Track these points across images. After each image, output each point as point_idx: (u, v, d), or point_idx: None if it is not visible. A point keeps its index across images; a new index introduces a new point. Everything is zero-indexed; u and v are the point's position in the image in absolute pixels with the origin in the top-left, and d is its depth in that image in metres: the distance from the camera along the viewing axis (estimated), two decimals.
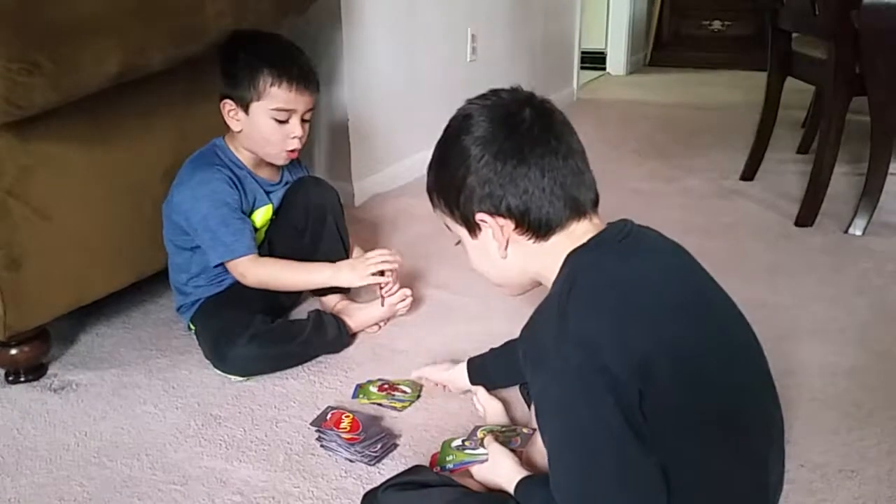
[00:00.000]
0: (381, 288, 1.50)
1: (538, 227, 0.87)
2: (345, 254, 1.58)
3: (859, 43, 1.96)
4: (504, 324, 1.58)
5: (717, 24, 5.00)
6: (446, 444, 1.10)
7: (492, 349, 1.29)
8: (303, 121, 1.45)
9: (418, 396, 1.33)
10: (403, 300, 1.54)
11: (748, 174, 2.54)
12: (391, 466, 1.14)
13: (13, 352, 1.36)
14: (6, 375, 1.39)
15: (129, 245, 1.49)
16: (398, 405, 1.30)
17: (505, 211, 0.87)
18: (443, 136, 0.93)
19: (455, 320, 1.61)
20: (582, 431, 0.77)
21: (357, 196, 2.30)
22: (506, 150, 0.86)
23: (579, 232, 0.88)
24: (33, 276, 1.31)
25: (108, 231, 1.44)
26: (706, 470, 0.79)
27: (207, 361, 1.42)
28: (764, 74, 2.48)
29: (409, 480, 0.96)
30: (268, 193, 1.53)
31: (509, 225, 0.88)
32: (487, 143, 0.86)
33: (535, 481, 0.92)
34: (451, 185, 0.90)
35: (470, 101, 0.92)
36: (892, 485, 1.11)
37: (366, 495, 1.02)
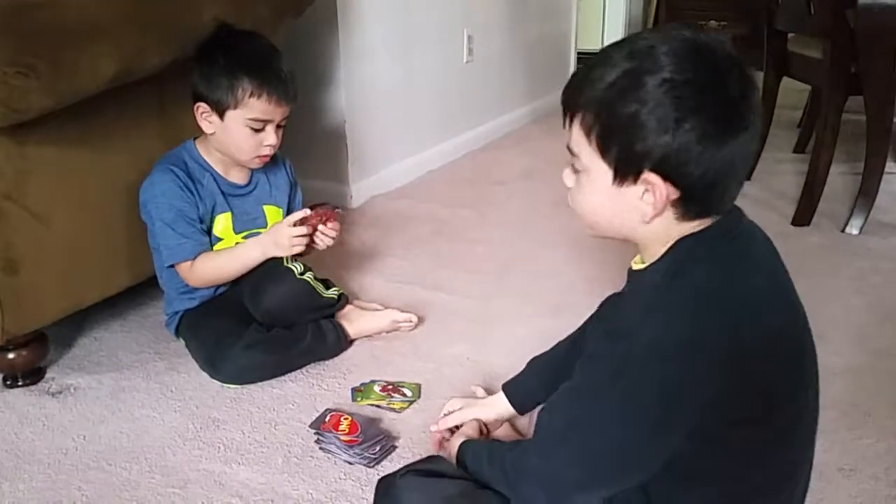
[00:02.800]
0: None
1: (704, 206, 0.77)
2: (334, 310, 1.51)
3: (855, 42, 1.97)
4: (502, 325, 1.59)
5: (712, 25, 5.00)
6: (370, 385, 1.30)
7: (525, 369, 1.20)
8: (277, 127, 1.43)
9: (418, 398, 1.33)
10: (409, 322, 1.54)
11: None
12: (390, 468, 1.14)
13: (11, 356, 1.35)
14: (4, 380, 1.39)
15: (127, 248, 1.48)
16: (397, 406, 1.30)
17: (684, 180, 0.74)
18: (626, 60, 0.75)
19: (453, 322, 1.60)
20: (599, 420, 0.76)
21: (354, 198, 2.30)
22: (714, 118, 0.73)
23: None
24: (31, 280, 1.31)
25: (106, 234, 1.44)
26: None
27: None
28: (760, 74, 2.48)
29: (427, 469, 0.97)
30: (229, 198, 1.48)
31: (674, 194, 0.75)
32: (691, 102, 0.72)
33: (472, 441, 0.98)
34: (627, 126, 0.74)
35: (662, 30, 0.78)
36: (890, 483, 1.12)
37: (380, 481, 1.01)
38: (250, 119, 1.39)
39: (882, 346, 1.49)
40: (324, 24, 2.15)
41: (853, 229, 2.06)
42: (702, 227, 0.78)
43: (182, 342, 1.48)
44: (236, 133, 1.41)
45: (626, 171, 0.77)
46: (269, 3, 1.62)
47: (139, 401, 1.34)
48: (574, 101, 0.79)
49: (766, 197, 2.37)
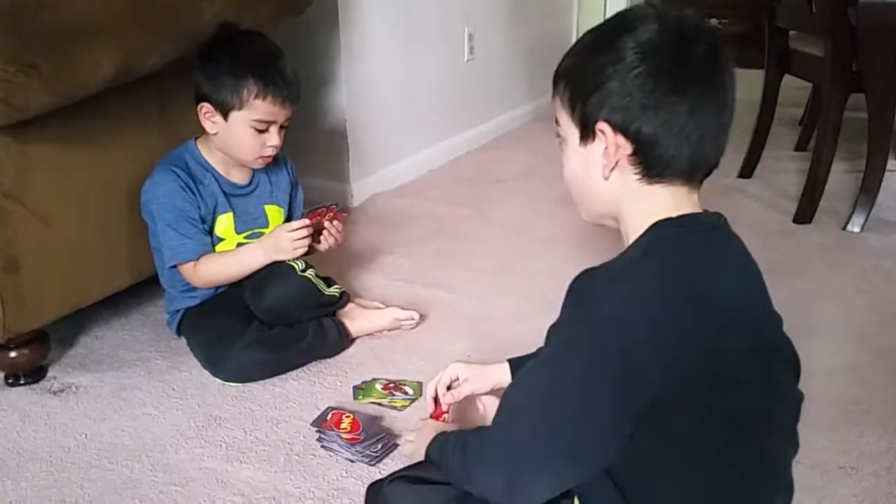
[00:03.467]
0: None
1: (654, 166, 0.79)
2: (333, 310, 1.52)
3: (856, 40, 1.97)
4: (503, 323, 1.59)
5: (713, 22, 5.00)
6: (372, 383, 1.31)
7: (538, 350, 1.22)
8: (280, 128, 1.43)
9: (420, 396, 1.33)
10: (411, 320, 1.54)
11: (746, 171, 2.54)
12: (392, 466, 1.14)
13: (13, 354, 1.36)
14: (6, 378, 1.39)
15: (128, 247, 1.48)
16: (398, 404, 1.31)
17: (632, 133, 0.77)
18: (600, 27, 0.83)
19: (455, 321, 1.60)
20: (555, 387, 0.75)
21: (355, 197, 2.30)
22: (666, 71, 0.76)
23: (677, 198, 0.80)
24: (32, 279, 1.31)
25: (107, 233, 1.44)
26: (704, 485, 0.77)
27: None
28: (761, 72, 2.48)
29: (414, 475, 0.96)
30: (231, 198, 1.49)
31: (627, 148, 0.78)
32: (649, 54, 0.76)
33: (441, 435, 0.96)
34: (588, 80, 0.79)
35: (641, 5, 0.81)
36: (891, 481, 1.12)
37: (370, 487, 1.01)
38: (255, 120, 1.39)
39: (883, 344, 1.49)
40: (324, 22, 2.15)
41: (855, 227, 2.05)
42: (679, 209, 0.80)
43: (183, 340, 1.49)
44: (240, 134, 1.40)
45: (585, 126, 0.81)
46: (269, 2, 1.62)
47: (141, 399, 1.34)
48: (556, 73, 0.85)
49: (767, 195, 2.37)
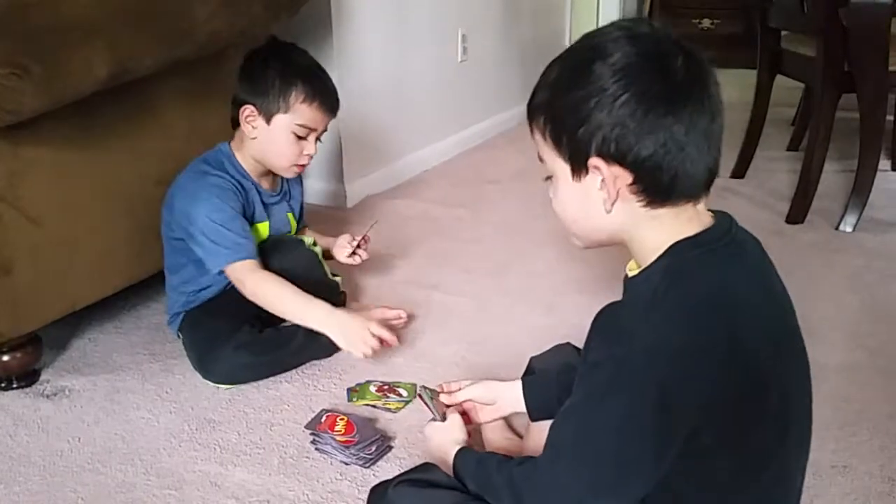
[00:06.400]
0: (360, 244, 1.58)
1: (658, 191, 0.76)
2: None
3: (848, 40, 1.98)
4: (500, 325, 1.59)
5: (706, 23, 5.01)
6: (366, 385, 1.33)
7: (532, 358, 1.18)
8: (317, 138, 1.45)
9: (414, 398, 1.33)
10: (399, 318, 1.52)
11: (739, 172, 2.55)
12: (386, 468, 1.14)
13: (5, 358, 1.35)
14: None
15: (121, 250, 1.48)
16: (393, 406, 1.30)
17: (630, 161, 0.74)
18: (570, 56, 0.79)
19: (450, 322, 1.60)
20: (599, 425, 0.76)
21: (349, 198, 2.30)
22: (654, 94, 0.73)
23: (687, 215, 0.78)
24: (24, 282, 1.31)
25: (100, 236, 1.44)
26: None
27: None
28: (753, 72, 2.48)
29: (420, 478, 0.96)
30: (267, 207, 1.51)
31: (626, 178, 0.75)
32: (631, 80, 0.73)
33: (471, 450, 0.98)
34: (570, 113, 0.76)
35: (605, 27, 0.78)
36: (883, 480, 1.12)
37: (373, 489, 1.01)
38: (298, 125, 1.40)
39: (876, 343, 1.50)
40: (318, 23, 2.15)
41: (847, 227, 2.06)
42: (691, 224, 0.78)
43: (179, 343, 1.48)
44: (281, 138, 1.41)
45: (577, 161, 0.78)
46: (263, 3, 1.61)
47: (134, 402, 1.34)
48: (530, 108, 0.82)
49: (759, 195, 2.38)
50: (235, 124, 1.45)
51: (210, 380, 1.38)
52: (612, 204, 0.78)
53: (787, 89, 2.64)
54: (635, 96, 0.73)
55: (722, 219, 0.81)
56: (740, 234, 0.81)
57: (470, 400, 1.14)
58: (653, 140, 0.74)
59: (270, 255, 1.43)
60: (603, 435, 0.75)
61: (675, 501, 0.78)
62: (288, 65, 1.41)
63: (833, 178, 2.35)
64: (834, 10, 1.96)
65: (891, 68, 1.96)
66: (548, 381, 1.09)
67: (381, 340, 1.32)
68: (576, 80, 0.76)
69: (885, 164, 2.32)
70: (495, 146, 3.00)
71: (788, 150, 2.81)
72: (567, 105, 0.77)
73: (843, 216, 2.08)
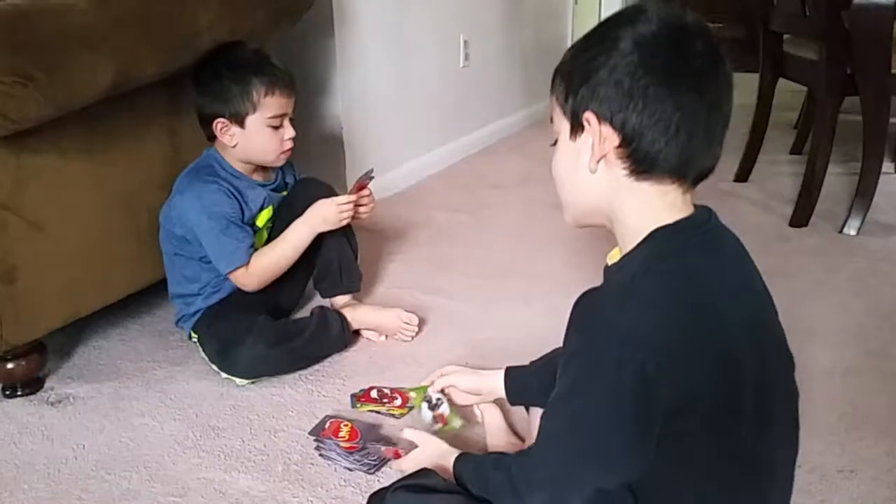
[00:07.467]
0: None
1: (641, 160, 0.77)
2: (350, 248, 1.61)
3: (850, 43, 1.97)
4: (503, 329, 1.59)
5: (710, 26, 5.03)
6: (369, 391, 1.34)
7: (532, 363, 1.19)
8: (290, 120, 1.48)
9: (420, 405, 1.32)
10: (410, 324, 1.54)
11: (742, 175, 2.55)
12: (390, 475, 1.14)
13: (10, 366, 1.35)
14: (3, 390, 1.38)
15: (125, 256, 1.48)
16: (396, 412, 1.30)
17: (618, 124, 0.76)
18: (603, 22, 0.82)
19: (453, 327, 1.60)
20: (584, 412, 0.76)
21: None
22: (658, 65, 0.75)
23: (670, 199, 0.79)
24: (29, 290, 1.31)
25: (104, 243, 1.44)
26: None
27: (205, 372, 1.42)
28: (756, 76, 2.49)
29: (418, 484, 0.96)
30: (266, 197, 1.53)
31: (613, 139, 0.77)
32: (644, 44, 0.75)
33: (468, 456, 0.99)
34: (581, 69, 0.79)
35: (640, 3, 0.80)
36: (890, 485, 1.12)
37: (372, 496, 1.01)
38: (270, 118, 1.43)
39: (880, 346, 1.49)
40: (320, 29, 2.16)
41: (851, 230, 2.06)
42: (674, 210, 0.79)
43: (182, 349, 1.48)
44: (260, 135, 1.44)
45: (575, 118, 0.80)
46: (265, 10, 1.62)
47: (138, 409, 1.34)
48: (555, 71, 0.84)
49: (763, 198, 2.37)
50: (211, 138, 1.47)
51: (231, 373, 1.39)
52: (597, 162, 0.80)
53: (789, 93, 2.64)
54: (639, 58, 0.75)
55: (702, 210, 0.82)
56: (719, 226, 0.82)
57: (452, 385, 1.21)
58: (643, 106, 0.75)
59: (297, 195, 1.53)
60: (587, 421, 0.76)
61: (656, 487, 0.78)
62: (236, 65, 1.43)
63: (836, 181, 2.35)
64: (836, 13, 1.97)
65: (893, 71, 1.96)
66: (526, 368, 1.17)
67: (354, 215, 1.51)
68: (597, 40, 0.79)
69: (888, 166, 2.31)
70: (497, 151, 3.00)
71: (791, 153, 2.81)
72: (580, 62, 0.80)
73: (846, 219, 2.07)
